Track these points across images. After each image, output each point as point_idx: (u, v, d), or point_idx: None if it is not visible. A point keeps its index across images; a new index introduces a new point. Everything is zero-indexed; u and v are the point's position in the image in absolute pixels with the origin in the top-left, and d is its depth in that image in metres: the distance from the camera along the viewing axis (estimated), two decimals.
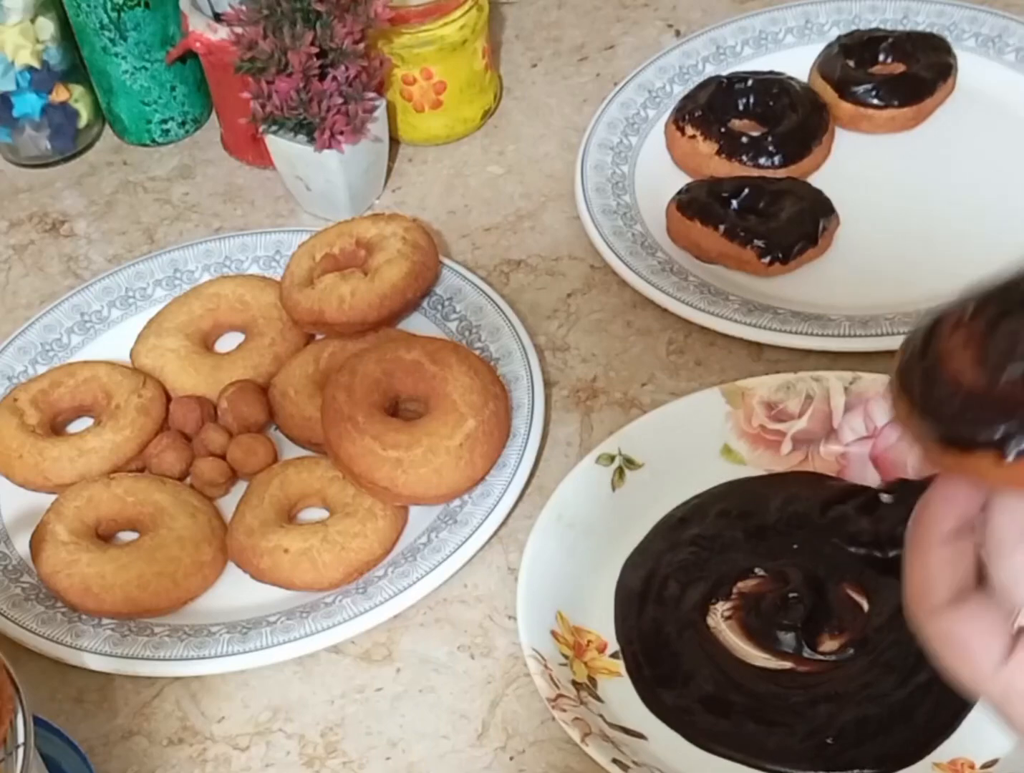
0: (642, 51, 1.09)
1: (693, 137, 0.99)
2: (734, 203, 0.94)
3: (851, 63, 1.01)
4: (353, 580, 0.79)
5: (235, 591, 0.81)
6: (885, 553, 0.76)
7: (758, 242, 0.91)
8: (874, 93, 1.00)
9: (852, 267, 0.92)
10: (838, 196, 0.94)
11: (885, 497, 0.77)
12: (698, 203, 0.94)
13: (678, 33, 1.11)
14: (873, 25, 1.05)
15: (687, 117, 1.00)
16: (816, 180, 0.97)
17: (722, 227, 0.92)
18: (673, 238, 0.95)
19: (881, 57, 1.02)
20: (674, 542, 0.79)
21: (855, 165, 0.99)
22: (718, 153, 0.98)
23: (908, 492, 0.77)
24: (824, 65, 1.02)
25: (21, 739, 0.57)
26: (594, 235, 0.95)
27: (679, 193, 0.96)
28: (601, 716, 0.71)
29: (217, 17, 1.00)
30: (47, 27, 1.04)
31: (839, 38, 1.03)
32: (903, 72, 1.02)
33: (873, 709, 0.70)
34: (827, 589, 0.75)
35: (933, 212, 0.95)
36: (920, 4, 1.05)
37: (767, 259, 0.91)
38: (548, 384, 0.87)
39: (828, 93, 1.01)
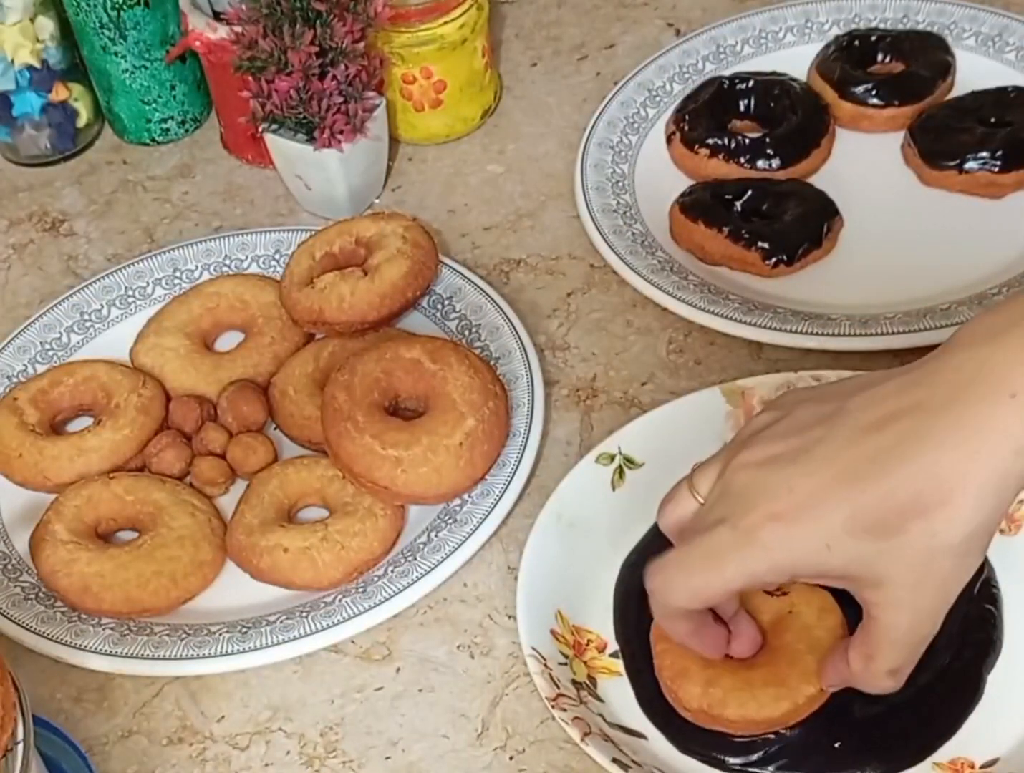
0: (642, 50, 1.09)
1: (693, 138, 0.99)
2: (738, 205, 0.93)
3: (850, 63, 1.01)
4: (353, 579, 0.79)
5: (235, 590, 0.81)
6: None
7: (762, 244, 0.91)
8: (874, 92, 1.00)
9: (854, 267, 0.92)
10: (840, 196, 0.94)
11: None
12: (702, 205, 0.93)
13: (678, 32, 1.11)
14: (873, 24, 1.05)
15: (687, 117, 1.00)
16: (817, 180, 0.97)
17: (726, 229, 0.91)
18: (676, 240, 0.94)
19: (880, 56, 1.02)
20: None
21: (856, 165, 0.99)
22: (717, 154, 0.98)
23: None
24: (823, 65, 1.02)
25: (20, 737, 0.57)
26: (594, 234, 0.95)
27: (682, 195, 0.95)
28: (601, 716, 0.71)
29: (217, 16, 1.00)
30: (47, 26, 1.03)
31: (837, 38, 1.03)
32: (902, 71, 1.01)
33: (875, 711, 0.70)
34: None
35: (935, 210, 0.95)
36: (920, 3, 1.05)
37: (771, 261, 0.91)
38: (548, 383, 0.87)
39: (828, 93, 1.01)
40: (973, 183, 0.94)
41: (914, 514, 0.56)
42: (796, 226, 0.92)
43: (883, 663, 0.61)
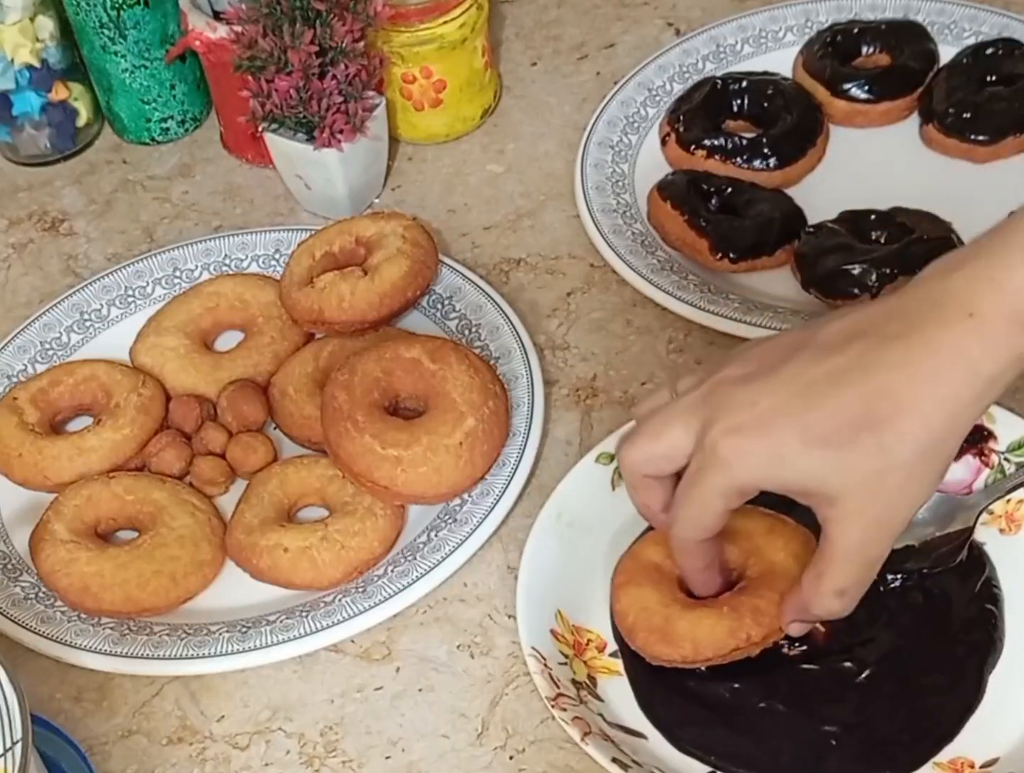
0: (642, 49, 1.09)
1: (689, 139, 0.99)
2: (714, 199, 0.94)
3: (837, 59, 1.01)
4: (353, 579, 0.79)
5: (234, 590, 0.81)
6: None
7: (713, 235, 0.91)
8: (866, 88, 1.00)
9: None
10: (838, 193, 0.95)
11: None
12: (674, 187, 0.95)
13: (678, 32, 1.11)
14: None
15: (681, 118, 1.00)
16: (814, 179, 0.97)
17: (686, 214, 0.92)
18: (648, 218, 0.95)
19: (864, 49, 1.03)
20: None
21: (853, 161, 0.99)
22: (714, 155, 0.98)
23: None
24: (811, 64, 1.02)
25: (19, 736, 0.57)
26: (594, 234, 0.95)
27: (665, 176, 0.96)
28: (601, 715, 0.71)
29: (217, 15, 1.00)
30: (46, 26, 1.03)
31: (820, 34, 1.03)
32: (890, 64, 1.02)
33: (877, 712, 0.70)
34: None
35: (934, 204, 0.94)
36: (920, 2, 1.05)
37: (717, 254, 0.91)
38: (548, 383, 0.87)
39: (820, 92, 1.01)
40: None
41: (865, 427, 0.58)
42: (753, 230, 0.92)
43: (832, 581, 0.63)
